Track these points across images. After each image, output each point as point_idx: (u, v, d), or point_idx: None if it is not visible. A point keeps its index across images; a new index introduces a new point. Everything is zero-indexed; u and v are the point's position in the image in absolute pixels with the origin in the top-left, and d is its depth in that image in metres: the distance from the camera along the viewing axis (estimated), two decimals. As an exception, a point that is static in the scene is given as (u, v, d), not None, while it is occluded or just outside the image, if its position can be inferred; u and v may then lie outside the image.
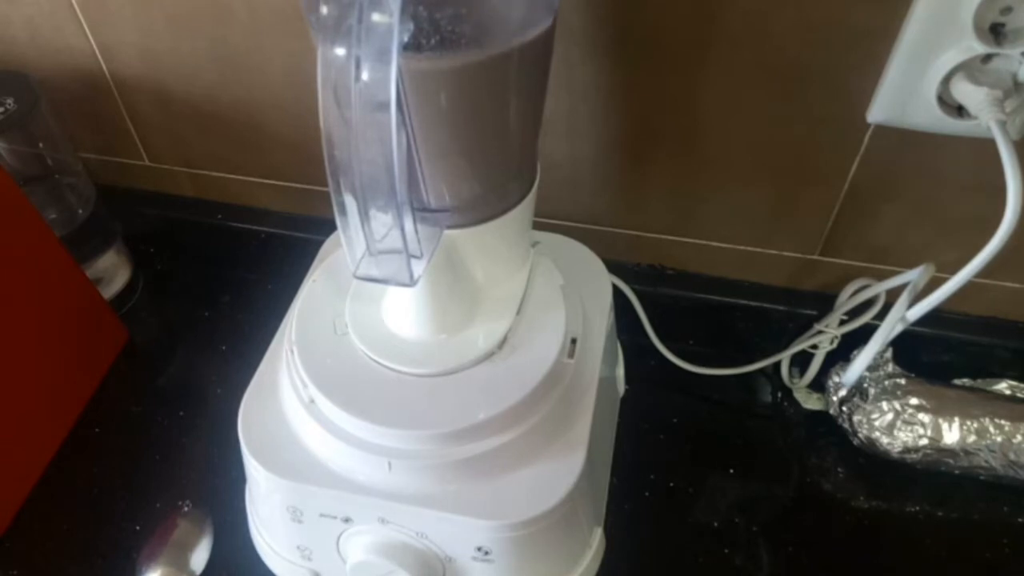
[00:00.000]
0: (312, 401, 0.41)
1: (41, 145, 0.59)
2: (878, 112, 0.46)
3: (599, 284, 0.49)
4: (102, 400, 0.59)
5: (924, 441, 0.52)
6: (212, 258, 0.67)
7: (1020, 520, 0.53)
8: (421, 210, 0.37)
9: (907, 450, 0.53)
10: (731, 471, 0.55)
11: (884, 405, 0.53)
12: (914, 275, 0.50)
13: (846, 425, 0.55)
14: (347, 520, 0.41)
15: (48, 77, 0.58)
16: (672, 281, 0.59)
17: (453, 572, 0.42)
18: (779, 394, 0.60)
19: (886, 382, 0.54)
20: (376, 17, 0.27)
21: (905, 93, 0.44)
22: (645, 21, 0.45)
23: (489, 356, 0.41)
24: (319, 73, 0.28)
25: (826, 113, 0.47)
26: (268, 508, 0.45)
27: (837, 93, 0.46)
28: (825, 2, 0.42)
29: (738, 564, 0.51)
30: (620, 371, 0.55)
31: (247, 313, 0.65)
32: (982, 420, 0.52)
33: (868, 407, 0.54)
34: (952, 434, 0.52)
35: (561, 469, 0.40)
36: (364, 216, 0.32)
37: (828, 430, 0.56)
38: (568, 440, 0.41)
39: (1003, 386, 0.56)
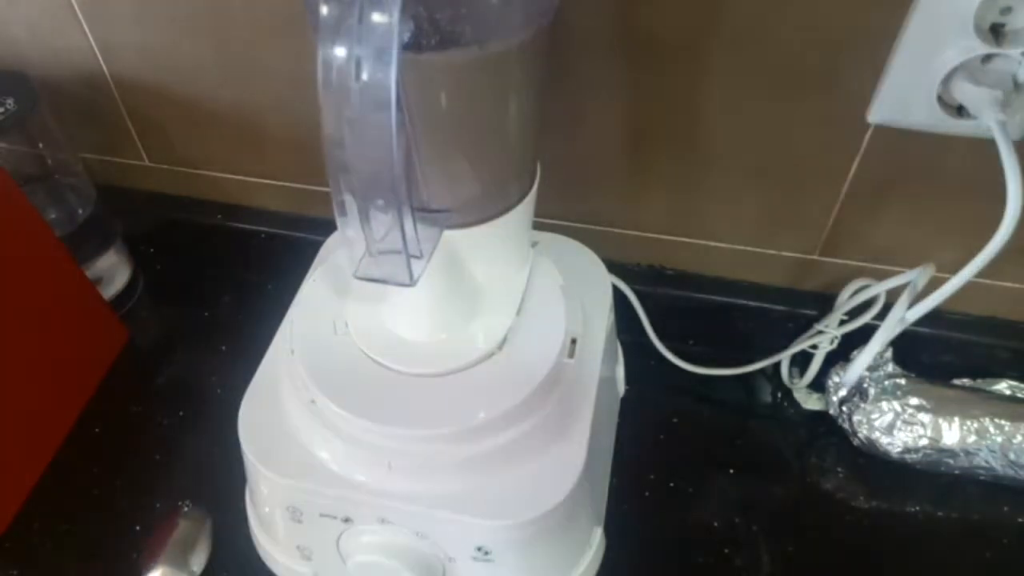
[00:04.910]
0: (312, 401, 0.41)
1: (41, 145, 0.59)
2: (878, 112, 0.46)
3: (599, 284, 0.49)
4: (102, 400, 0.59)
5: (924, 441, 0.52)
6: (212, 258, 0.67)
7: (1020, 520, 0.53)
8: (421, 210, 0.37)
9: (907, 450, 0.53)
10: (731, 471, 0.55)
11: (884, 405, 0.53)
12: (914, 275, 0.50)
13: (846, 425, 0.55)
14: (347, 520, 0.41)
15: (48, 77, 0.58)
16: (672, 281, 0.59)
17: (453, 572, 0.42)
18: (779, 394, 0.60)
19: (886, 382, 0.54)
20: (376, 17, 0.27)
21: (905, 93, 0.44)
22: (645, 21, 0.45)
23: (489, 356, 0.41)
24: (319, 73, 0.28)
25: (826, 113, 0.47)
26: (268, 508, 0.45)
27: (837, 93, 0.46)
28: (825, 2, 0.42)
29: (738, 564, 0.50)
30: (620, 371, 0.55)
31: (247, 313, 0.65)
32: (982, 420, 0.52)
33: (868, 407, 0.54)
34: (952, 434, 0.52)
35: (561, 469, 0.40)
36: (364, 216, 0.32)
37: (828, 430, 0.56)
38: (568, 440, 0.41)
39: (1003, 386, 0.56)
